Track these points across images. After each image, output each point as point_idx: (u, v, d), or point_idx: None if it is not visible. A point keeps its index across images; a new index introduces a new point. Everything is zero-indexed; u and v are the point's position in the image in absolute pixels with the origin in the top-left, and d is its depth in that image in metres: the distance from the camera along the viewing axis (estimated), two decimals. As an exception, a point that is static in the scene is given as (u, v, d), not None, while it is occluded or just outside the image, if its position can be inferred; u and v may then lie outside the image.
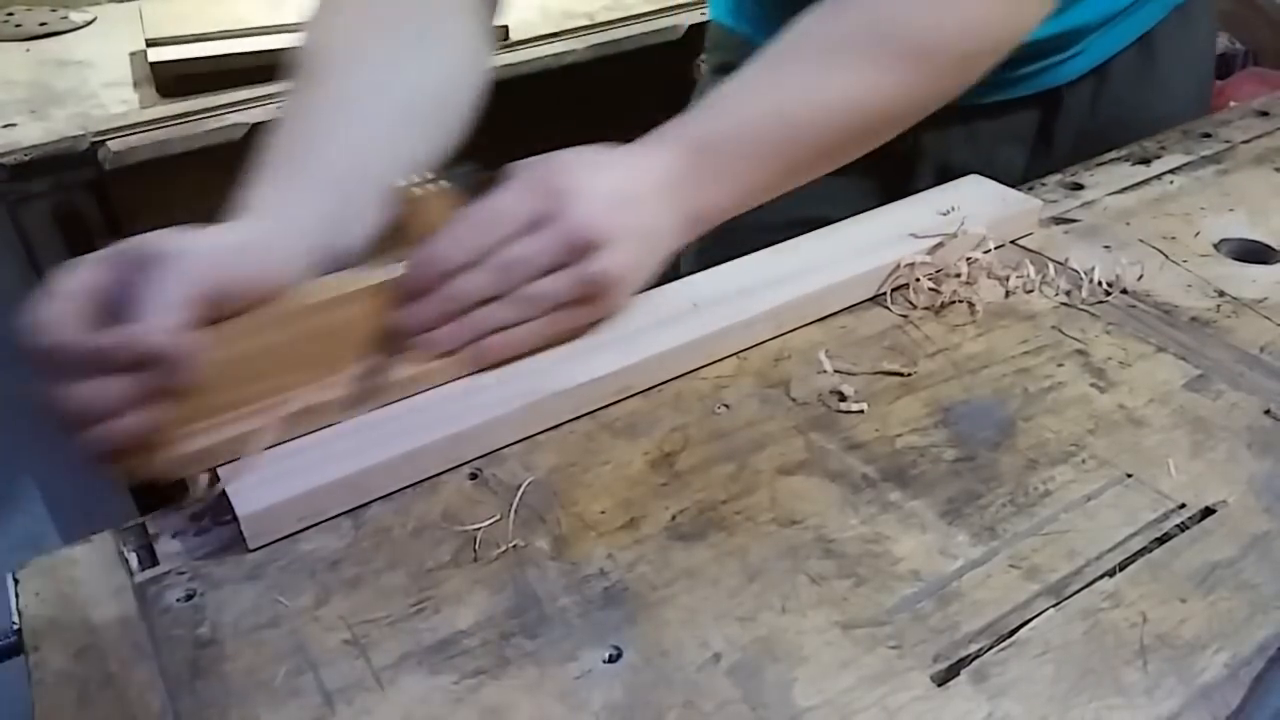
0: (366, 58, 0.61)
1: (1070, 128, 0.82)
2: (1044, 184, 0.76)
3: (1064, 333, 0.60)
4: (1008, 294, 0.63)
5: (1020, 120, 0.81)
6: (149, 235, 0.48)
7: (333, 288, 0.52)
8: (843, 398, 0.55)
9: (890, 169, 0.78)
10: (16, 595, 0.45)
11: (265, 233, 0.51)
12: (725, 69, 0.76)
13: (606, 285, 0.54)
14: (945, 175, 0.75)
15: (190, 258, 0.47)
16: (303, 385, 0.51)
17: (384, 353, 0.54)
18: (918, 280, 0.63)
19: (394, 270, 0.53)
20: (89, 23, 1.22)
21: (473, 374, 0.55)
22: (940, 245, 0.64)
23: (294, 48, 0.61)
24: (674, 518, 0.48)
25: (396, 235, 0.55)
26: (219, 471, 0.48)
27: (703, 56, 0.91)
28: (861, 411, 0.54)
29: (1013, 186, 0.71)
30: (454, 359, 0.54)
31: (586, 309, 0.55)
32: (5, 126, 0.92)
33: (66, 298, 0.45)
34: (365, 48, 0.61)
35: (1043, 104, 0.81)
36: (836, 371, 0.57)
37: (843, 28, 0.60)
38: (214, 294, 0.47)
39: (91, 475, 0.48)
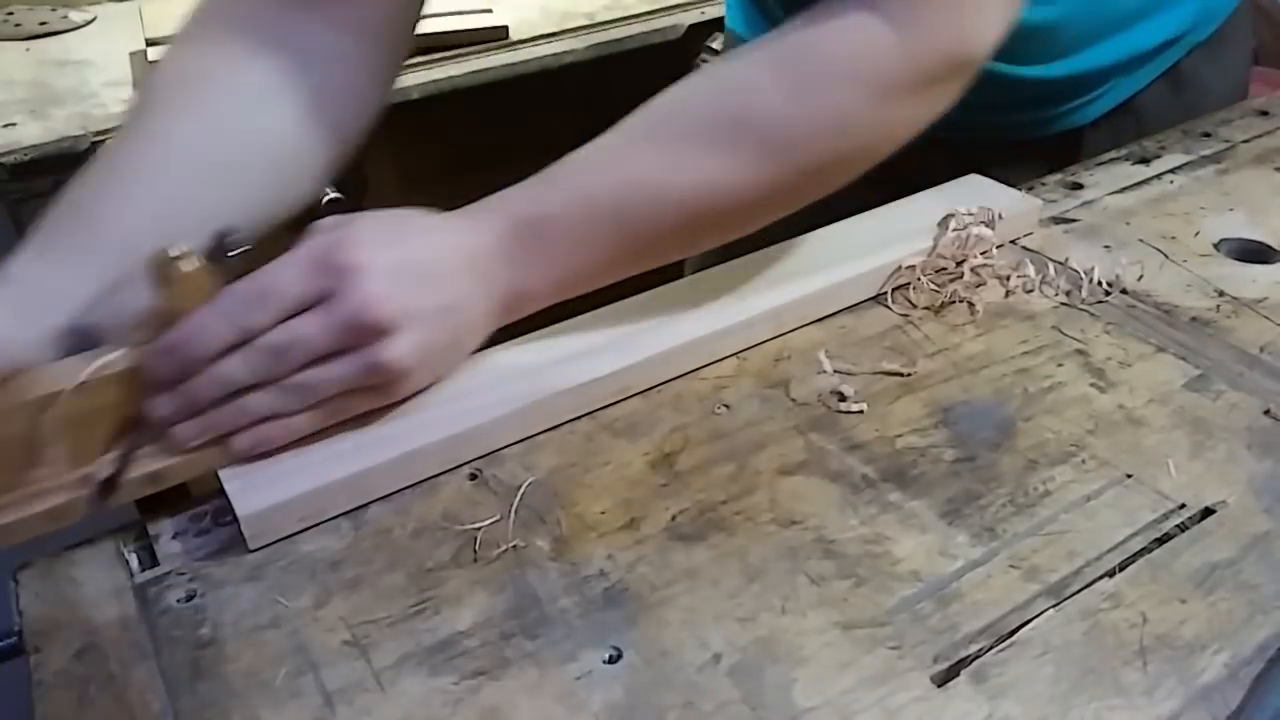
0: (197, 103, 0.54)
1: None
2: (1044, 184, 0.76)
3: (1064, 333, 0.60)
4: (1008, 294, 0.63)
5: (1036, 161, 0.79)
6: None
7: (79, 372, 0.46)
8: (843, 398, 0.55)
9: (893, 192, 0.72)
10: (17, 595, 0.45)
11: (11, 310, 0.47)
12: None
13: (393, 373, 0.49)
14: None
15: None
16: (46, 478, 0.46)
17: (137, 443, 0.48)
18: (918, 280, 0.63)
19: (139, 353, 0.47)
20: (89, 22, 1.22)
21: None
22: (940, 244, 0.64)
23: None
24: (674, 518, 0.48)
25: (160, 312, 0.48)
26: (219, 472, 0.48)
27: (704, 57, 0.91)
28: (861, 412, 0.54)
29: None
30: (218, 448, 0.48)
31: (373, 395, 0.50)
32: (5, 126, 0.92)
33: None
34: (201, 90, 0.55)
35: (1064, 142, 0.80)
36: (836, 371, 0.57)
37: (698, 110, 0.54)
38: None
39: None
